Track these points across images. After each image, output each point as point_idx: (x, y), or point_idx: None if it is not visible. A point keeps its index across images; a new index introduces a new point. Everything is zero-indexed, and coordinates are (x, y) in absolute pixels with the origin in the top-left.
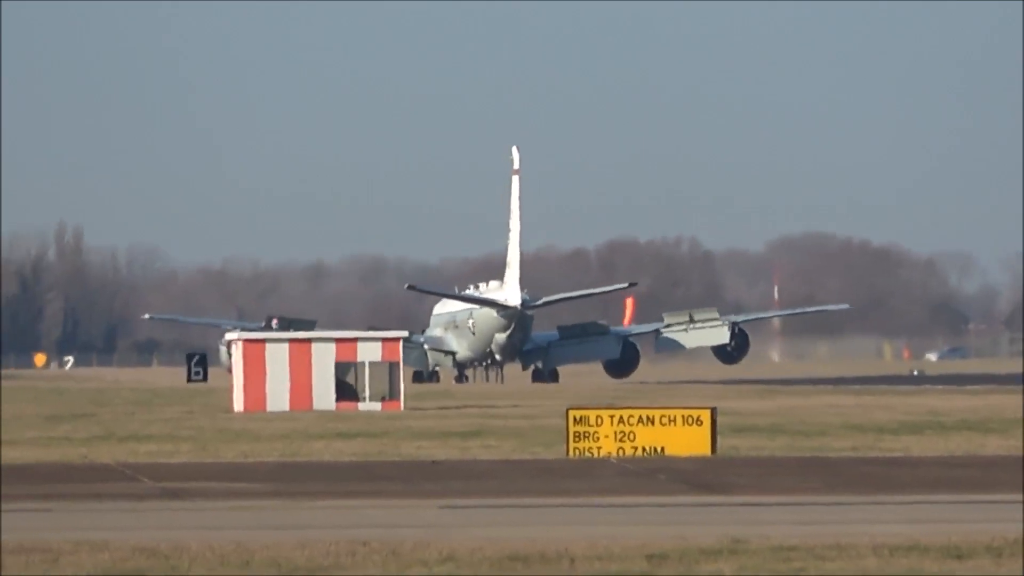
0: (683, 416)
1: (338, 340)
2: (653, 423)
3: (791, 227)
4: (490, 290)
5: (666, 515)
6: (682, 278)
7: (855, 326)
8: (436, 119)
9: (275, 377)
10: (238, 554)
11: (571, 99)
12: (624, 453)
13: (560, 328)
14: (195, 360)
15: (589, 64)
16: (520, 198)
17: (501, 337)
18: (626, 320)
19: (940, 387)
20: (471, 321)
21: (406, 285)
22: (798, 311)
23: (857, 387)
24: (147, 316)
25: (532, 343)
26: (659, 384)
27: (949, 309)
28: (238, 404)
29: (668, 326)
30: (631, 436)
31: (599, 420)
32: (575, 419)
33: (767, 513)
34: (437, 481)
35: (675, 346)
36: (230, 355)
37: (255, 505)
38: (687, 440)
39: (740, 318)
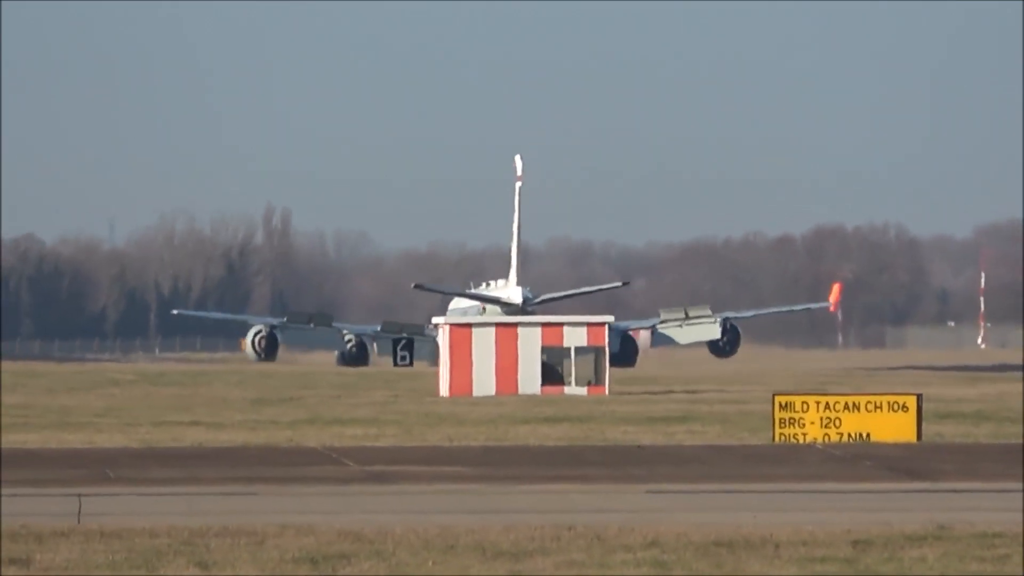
0: (889, 403)
1: (544, 325)
2: (859, 409)
3: (998, 213)
4: (497, 288)
5: (871, 501)
6: (888, 264)
7: None
8: (658, 105)
9: (481, 362)
10: (443, 538)
11: (773, 84)
12: (829, 439)
13: None
14: (401, 344)
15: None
16: (520, 204)
17: None
18: (832, 305)
19: None
20: (479, 317)
21: (412, 284)
22: (784, 309)
23: None
24: (175, 312)
25: None
26: (862, 370)
27: None
28: (444, 388)
29: (664, 322)
30: (837, 422)
31: (805, 406)
32: (781, 405)
33: (972, 500)
34: (642, 466)
35: (669, 341)
36: (254, 348)
37: (460, 489)
38: (893, 426)
39: (731, 315)
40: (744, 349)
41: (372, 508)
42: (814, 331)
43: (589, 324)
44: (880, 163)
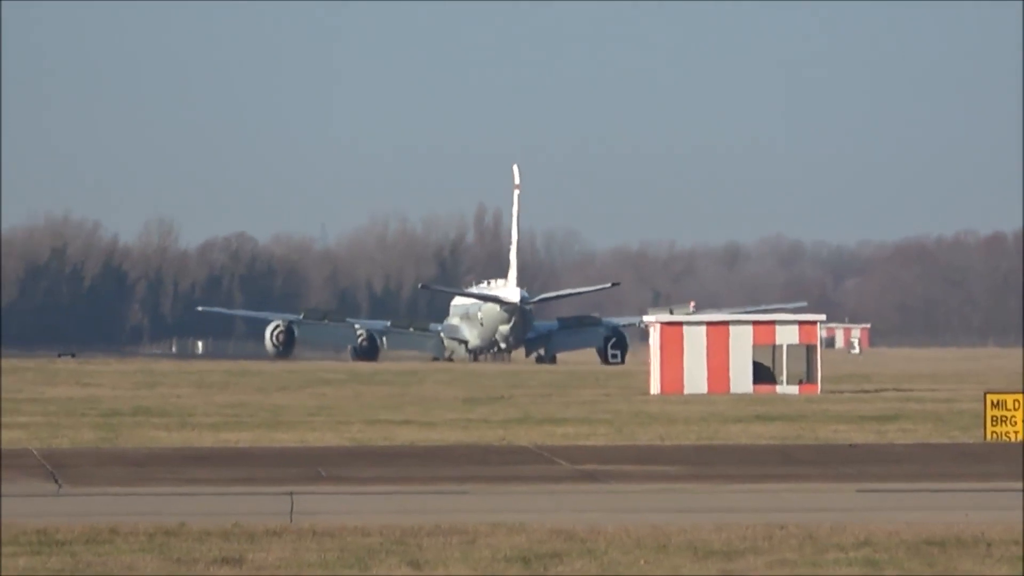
0: None
1: (756, 323)
2: None
3: None
4: (496, 287)
5: None
6: None
7: None
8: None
9: (692, 360)
10: (654, 537)
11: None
12: None
13: (559, 319)
14: (612, 343)
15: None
16: (519, 212)
17: (505, 328)
18: None
19: None
20: (480, 314)
21: (419, 285)
22: (767, 307)
23: None
24: (200, 308)
25: (535, 331)
26: None
27: None
28: (655, 387)
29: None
30: None
31: (1016, 404)
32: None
33: None
34: (854, 465)
35: None
36: (273, 343)
37: (672, 488)
38: None
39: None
40: (953, 348)
41: (584, 507)
42: None
43: (801, 322)
44: None
